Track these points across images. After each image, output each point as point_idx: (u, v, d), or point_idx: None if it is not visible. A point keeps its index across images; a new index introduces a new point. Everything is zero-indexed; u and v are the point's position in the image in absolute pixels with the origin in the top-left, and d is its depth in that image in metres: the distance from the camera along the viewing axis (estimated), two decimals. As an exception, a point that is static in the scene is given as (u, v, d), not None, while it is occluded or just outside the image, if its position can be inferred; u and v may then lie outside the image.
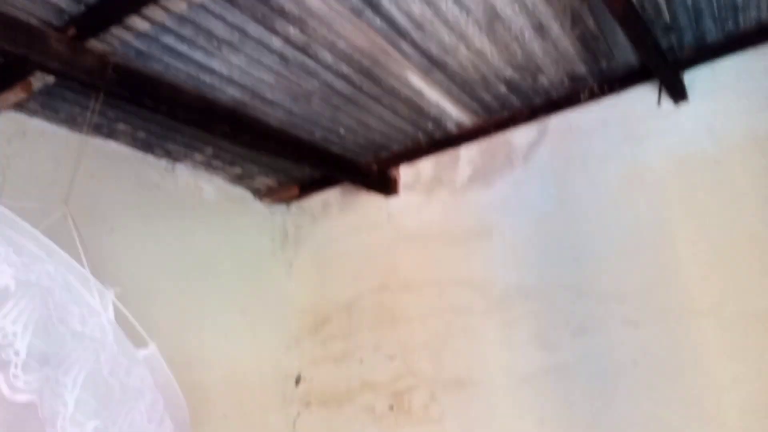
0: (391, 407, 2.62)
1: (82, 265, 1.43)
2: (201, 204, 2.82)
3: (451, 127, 2.63)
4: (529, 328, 2.40)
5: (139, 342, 1.50)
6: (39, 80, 1.98)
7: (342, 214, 3.04)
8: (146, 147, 2.59)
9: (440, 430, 2.48)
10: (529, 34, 2.04)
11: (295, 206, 3.20)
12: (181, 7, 1.75)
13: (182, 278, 2.58)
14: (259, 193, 3.10)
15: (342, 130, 2.55)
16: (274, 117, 2.39)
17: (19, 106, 2.18)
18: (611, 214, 2.33)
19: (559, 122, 2.50)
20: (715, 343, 2.06)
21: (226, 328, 2.69)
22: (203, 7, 1.77)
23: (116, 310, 1.43)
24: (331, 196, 3.10)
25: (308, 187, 3.09)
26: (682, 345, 2.11)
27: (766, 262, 2.03)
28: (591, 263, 2.33)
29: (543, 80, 2.33)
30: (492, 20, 1.96)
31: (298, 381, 2.90)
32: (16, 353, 1.15)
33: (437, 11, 1.89)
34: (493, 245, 2.57)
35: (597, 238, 2.34)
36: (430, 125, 2.59)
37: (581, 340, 2.27)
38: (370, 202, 2.95)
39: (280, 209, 3.20)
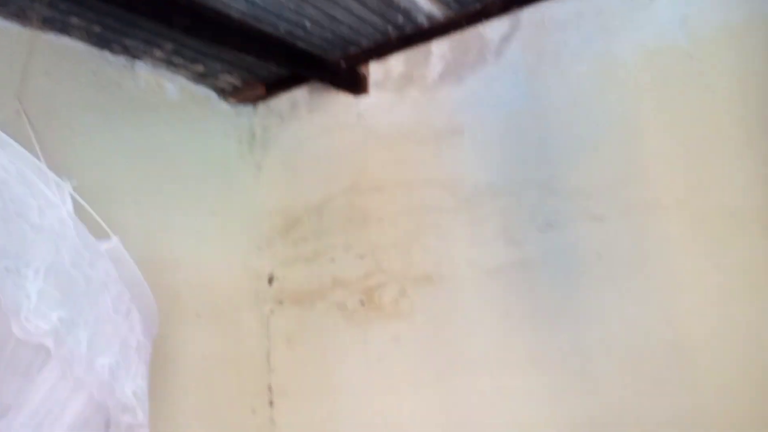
0: (362, 303, 2.68)
1: (38, 159, 1.38)
2: (164, 104, 2.73)
3: (422, 20, 2.53)
4: (496, 224, 2.43)
5: (101, 237, 1.48)
6: (-18, -30, 1.85)
7: (310, 114, 2.97)
8: (103, 43, 2.46)
9: (409, 323, 2.55)
10: None
11: (262, 106, 3.11)
12: None
13: (147, 179, 2.53)
14: (224, 93, 3.00)
15: (308, 24, 2.45)
16: (235, 8, 2.28)
17: (-37, 0, 2.04)
18: (582, 109, 2.31)
19: (532, 14, 2.42)
20: (678, 238, 2.11)
21: (196, 229, 2.68)
22: None
23: (76, 204, 1.40)
24: (298, 95, 3.01)
25: (274, 86, 2.99)
26: (646, 239, 2.16)
27: (733, 158, 2.05)
28: (560, 160, 2.34)
29: (517, -31, 2.24)
30: None
31: (270, 281, 2.94)
32: (-27, 246, 1.12)
33: None
34: (463, 144, 2.55)
35: (567, 135, 2.33)
36: (400, 18, 2.50)
37: (547, 236, 2.32)
38: (339, 101, 2.88)
39: (246, 110, 3.11)
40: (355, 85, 2.79)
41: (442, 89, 2.62)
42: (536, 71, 2.41)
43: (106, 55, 2.52)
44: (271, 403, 2.78)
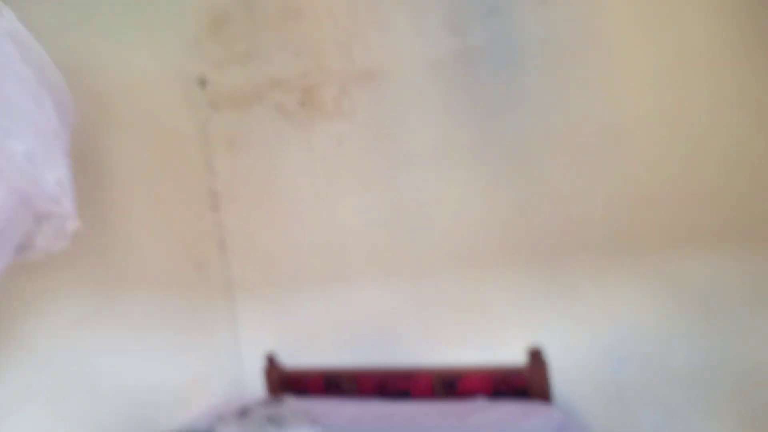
0: (302, 103, 2.59)
1: None
2: None
3: None
4: (440, 13, 2.30)
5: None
6: None
7: None
8: None
9: (350, 121, 2.50)
10: None
11: None
12: None
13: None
14: None
15: None
16: None
17: None
18: None
19: None
20: (621, 20, 2.06)
21: (118, 30, 2.45)
22: None
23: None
24: None
25: None
26: (589, 22, 2.09)
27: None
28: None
29: None
30: None
31: (203, 84, 2.79)
32: None
33: None
34: None
35: None
36: None
37: (491, 22, 2.22)
38: None
39: None
40: None
41: None
42: None
43: None
44: (216, 207, 2.78)
